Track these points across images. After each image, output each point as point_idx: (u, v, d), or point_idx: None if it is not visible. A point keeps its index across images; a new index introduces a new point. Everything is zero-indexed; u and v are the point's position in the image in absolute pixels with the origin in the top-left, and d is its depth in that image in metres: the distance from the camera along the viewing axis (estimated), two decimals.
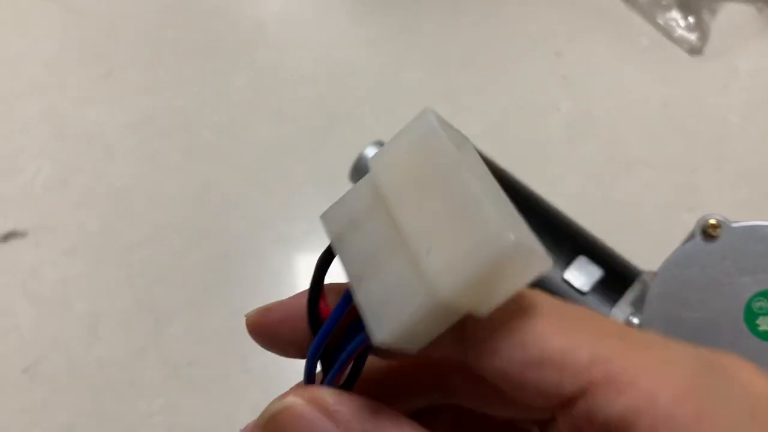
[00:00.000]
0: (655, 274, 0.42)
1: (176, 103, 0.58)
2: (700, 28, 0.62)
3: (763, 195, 0.54)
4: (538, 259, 0.15)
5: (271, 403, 0.18)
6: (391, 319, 0.16)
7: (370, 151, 0.46)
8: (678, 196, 0.55)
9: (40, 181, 0.54)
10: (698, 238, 0.42)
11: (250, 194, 0.54)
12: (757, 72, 0.61)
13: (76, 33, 0.62)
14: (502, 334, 0.15)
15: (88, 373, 0.47)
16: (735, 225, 0.37)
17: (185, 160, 0.56)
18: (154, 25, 0.63)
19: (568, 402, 0.15)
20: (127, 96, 0.59)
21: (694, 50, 0.62)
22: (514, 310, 0.16)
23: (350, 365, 0.18)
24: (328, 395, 0.17)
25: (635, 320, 0.40)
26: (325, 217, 0.18)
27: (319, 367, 0.18)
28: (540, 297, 0.16)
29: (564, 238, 0.43)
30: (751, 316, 0.37)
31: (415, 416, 0.17)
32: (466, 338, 0.16)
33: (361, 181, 0.18)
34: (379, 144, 0.47)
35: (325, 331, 0.18)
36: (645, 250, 0.45)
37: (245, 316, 0.20)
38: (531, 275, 0.15)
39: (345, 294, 0.17)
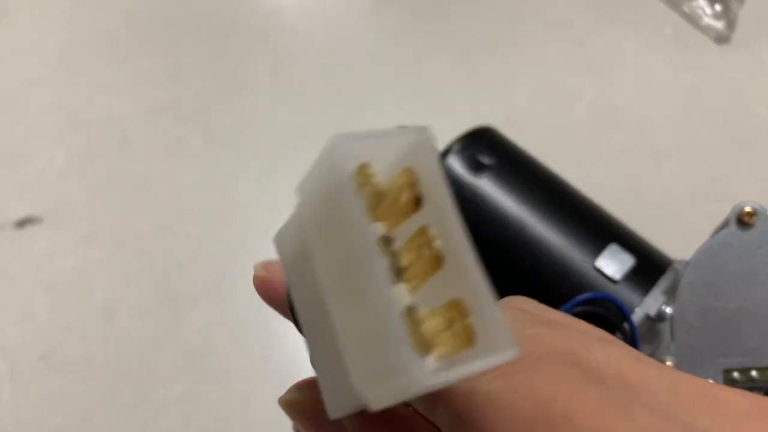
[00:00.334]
0: (687, 263, 0.41)
1: (193, 90, 0.58)
2: (727, 16, 0.61)
3: None
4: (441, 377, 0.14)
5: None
6: (334, 402, 0.16)
7: None
8: (705, 187, 0.54)
9: (55, 168, 0.53)
10: (733, 226, 0.41)
11: (269, 182, 0.53)
12: None
13: (90, 19, 0.62)
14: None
15: (106, 362, 0.46)
16: None
17: (203, 147, 0.55)
18: (170, 11, 0.62)
19: None
20: (144, 82, 0.58)
21: (721, 39, 0.61)
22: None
23: None
24: None
25: (668, 309, 0.39)
26: (277, 241, 0.17)
27: None
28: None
29: (594, 225, 0.42)
30: None
31: None
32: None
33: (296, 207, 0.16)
34: None
35: None
36: (671, 241, 0.44)
37: (254, 266, 0.20)
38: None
39: None
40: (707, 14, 0.61)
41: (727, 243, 0.40)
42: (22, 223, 0.50)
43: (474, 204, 0.41)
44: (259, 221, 0.51)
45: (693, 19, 0.61)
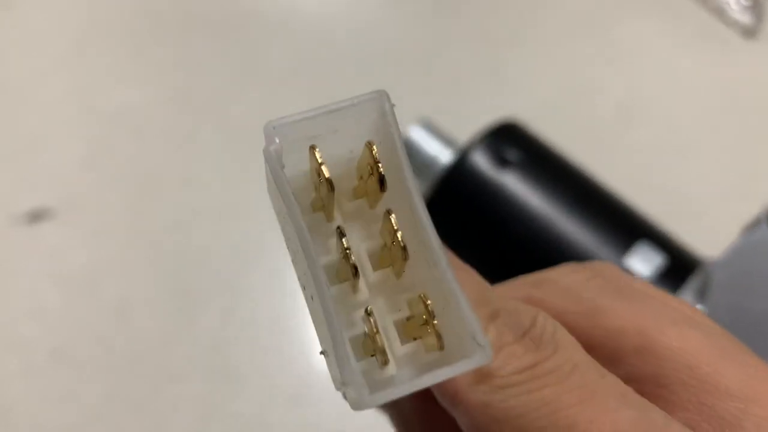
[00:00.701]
0: (717, 262, 0.40)
1: (209, 82, 0.57)
2: (755, 10, 0.59)
3: None
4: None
5: None
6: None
7: (414, 130, 0.44)
8: (732, 184, 0.52)
9: (67, 161, 0.52)
10: (764, 225, 0.40)
11: None
12: None
13: (104, 8, 0.61)
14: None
15: (117, 358, 0.45)
16: None
17: (218, 140, 0.54)
18: (186, 1, 0.61)
19: None
20: (158, 74, 0.57)
21: (748, 33, 0.59)
22: None
23: None
24: None
25: (699, 308, 0.38)
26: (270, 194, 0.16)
27: None
28: None
29: (623, 223, 0.40)
30: None
31: None
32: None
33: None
34: (425, 121, 0.45)
35: None
36: (699, 239, 0.43)
37: None
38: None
39: None
40: (733, 8, 0.60)
41: (759, 243, 0.39)
42: (33, 217, 0.49)
43: (499, 200, 0.39)
44: (276, 216, 0.50)
45: (719, 13, 0.60)
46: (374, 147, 0.13)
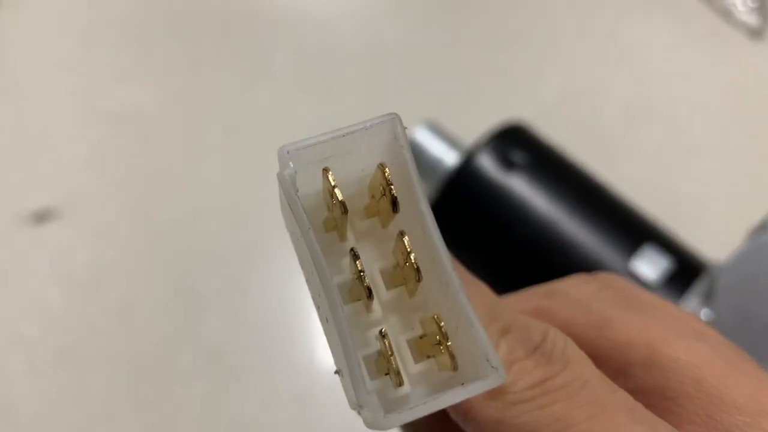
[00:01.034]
0: (724, 265, 0.39)
1: (214, 81, 0.57)
2: (762, 11, 0.59)
3: None
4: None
5: None
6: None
7: (419, 132, 0.44)
8: (739, 187, 0.52)
9: (72, 161, 0.52)
10: None
11: None
12: None
13: (110, 8, 0.61)
14: None
15: (123, 358, 0.45)
16: None
17: (223, 139, 0.54)
18: (191, 0, 0.61)
19: None
20: (164, 73, 0.57)
21: (755, 35, 0.59)
22: None
23: None
24: None
25: (703, 313, 0.37)
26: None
27: None
28: None
29: (629, 226, 0.40)
30: None
31: None
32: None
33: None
34: (430, 123, 0.44)
35: None
36: (705, 242, 0.43)
37: None
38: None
39: None
40: (739, 9, 0.60)
41: (765, 246, 0.39)
42: (38, 217, 0.49)
43: (505, 203, 0.39)
44: (281, 216, 0.50)
45: (725, 14, 0.60)
46: (386, 169, 0.13)
